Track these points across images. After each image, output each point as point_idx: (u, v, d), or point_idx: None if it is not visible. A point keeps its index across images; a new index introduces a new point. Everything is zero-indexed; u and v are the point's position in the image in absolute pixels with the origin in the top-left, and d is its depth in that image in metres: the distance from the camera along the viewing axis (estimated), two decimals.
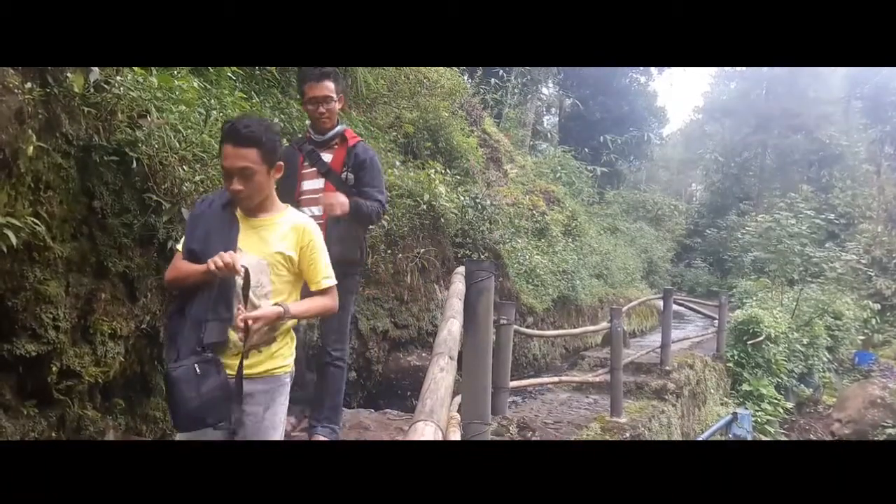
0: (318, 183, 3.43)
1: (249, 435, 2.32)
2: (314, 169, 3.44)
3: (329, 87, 3.44)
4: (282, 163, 2.40)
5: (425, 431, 1.40)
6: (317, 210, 3.36)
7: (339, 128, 3.57)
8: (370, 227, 3.56)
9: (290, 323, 2.45)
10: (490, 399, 2.96)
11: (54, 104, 2.88)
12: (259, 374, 2.36)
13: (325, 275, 2.51)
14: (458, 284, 2.91)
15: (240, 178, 2.28)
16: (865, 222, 23.96)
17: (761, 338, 11.43)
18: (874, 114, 31.73)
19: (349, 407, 5.43)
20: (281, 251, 2.38)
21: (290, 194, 3.28)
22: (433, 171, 7.52)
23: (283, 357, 2.44)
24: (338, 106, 3.54)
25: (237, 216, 2.40)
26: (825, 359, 14.65)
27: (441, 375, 1.83)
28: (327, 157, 3.44)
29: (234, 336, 2.28)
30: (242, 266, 2.23)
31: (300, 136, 3.91)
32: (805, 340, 13.44)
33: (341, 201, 3.32)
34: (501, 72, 18.41)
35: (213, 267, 2.16)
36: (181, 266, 2.39)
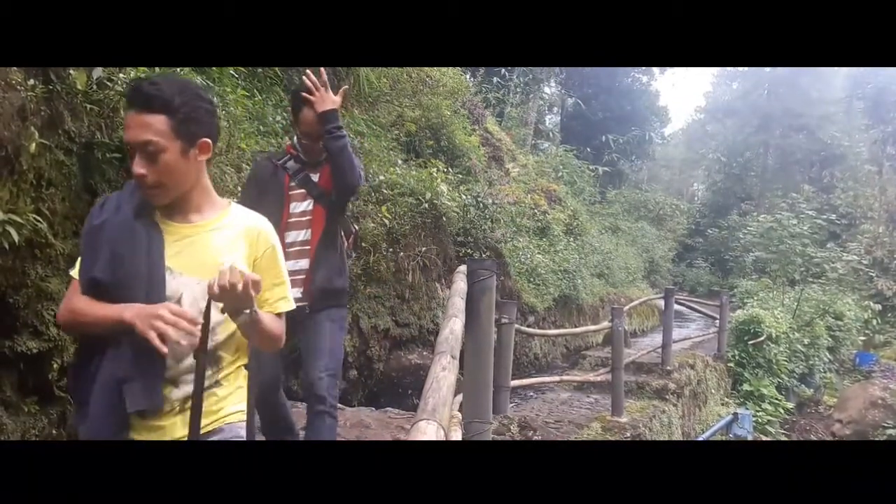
0: (307, 205, 3.10)
1: None
2: (302, 190, 3.10)
3: None
4: (208, 140, 1.71)
5: (427, 430, 1.40)
6: (302, 235, 3.06)
7: None
8: (350, 193, 3.15)
9: (237, 359, 1.80)
10: (491, 398, 2.96)
11: (57, 101, 2.88)
12: (215, 423, 1.74)
13: (282, 294, 1.87)
14: (460, 283, 2.91)
15: (142, 158, 1.61)
16: (867, 223, 23.96)
17: (762, 338, 11.43)
18: (876, 114, 31.72)
19: (350, 405, 5.44)
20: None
21: (277, 218, 2.94)
22: (435, 169, 7.53)
23: (240, 398, 1.79)
24: None
25: (157, 223, 1.70)
26: (826, 359, 14.65)
27: (443, 374, 1.84)
28: (315, 176, 3.14)
29: (175, 394, 1.66)
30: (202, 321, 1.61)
31: (280, 150, 3.48)
32: (806, 341, 13.44)
33: (335, 99, 2.96)
34: (504, 71, 18.42)
35: (157, 343, 1.50)
36: (80, 306, 1.66)
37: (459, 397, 3.29)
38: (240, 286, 1.52)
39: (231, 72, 4.98)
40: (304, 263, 3.02)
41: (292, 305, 1.91)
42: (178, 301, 1.65)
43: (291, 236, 3.04)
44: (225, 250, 1.73)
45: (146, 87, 1.61)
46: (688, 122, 47.39)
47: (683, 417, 8.27)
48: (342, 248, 3.20)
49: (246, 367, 1.81)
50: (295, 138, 3.17)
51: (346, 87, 3.22)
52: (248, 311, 1.61)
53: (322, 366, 2.95)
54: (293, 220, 3.06)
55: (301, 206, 3.09)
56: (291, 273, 2.87)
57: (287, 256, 2.90)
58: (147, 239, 1.66)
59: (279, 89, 6.13)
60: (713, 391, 10.37)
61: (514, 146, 15.98)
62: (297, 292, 2.90)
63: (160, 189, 1.65)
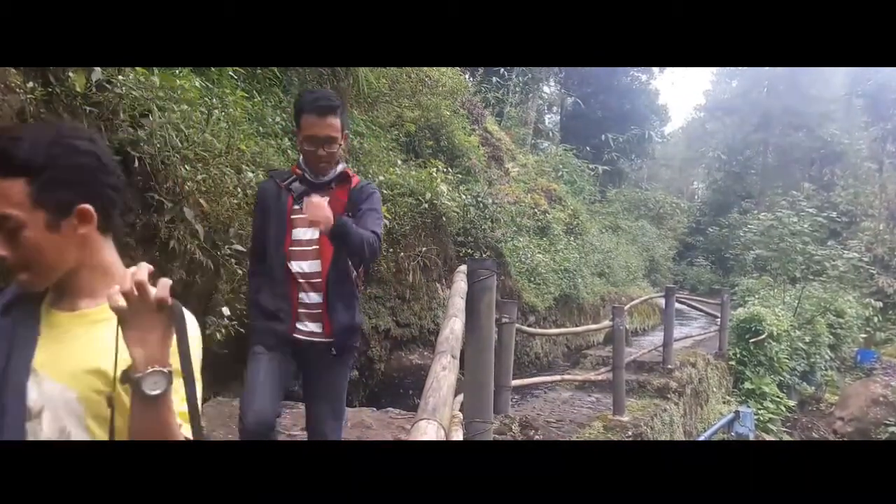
0: (314, 233, 2.75)
1: None
2: (307, 216, 2.70)
3: (334, 124, 2.71)
4: (89, 207, 1.26)
5: (428, 430, 1.41)
6: (307, 266, 2.76)
7: (339, 168, 2.85)
8: (361, 261, 2.87)
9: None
10: (492, 397, 2.96)
11: (56, 104, 2.89)
12: None
13: (183, 412, 1.21)
14: (461, 283, 2.91)
15: (0, 236, 1.22)
16: (867, 220, 23.99)
17: (763, 336, 11.43)
18: (876, 111, 31.70)
19: (351, 405, 5.44)
20: (107, 370, 1.20)
21: (279, 245, 2.74)
22: (435, 169, 7.53)
23: None
24: (342, 146, 2.83)
25: (38, 312, 1.30)
26: (827, 357, 14.66)
27: (443, 374, 1.84)
28: (322, 201, 2.73)
29: None
30: None
31: (285, 170, 3.15)
32: (807, 338, 13.44)
33: (326, 216, 2.59)
34: (503, 70, 18.44)
35: None
36: None
37: (460, 397, 3.29)
38: (150, 290, 1.10)
39: (230, 73, 4.98)
40: (316, 297, 2.76)
41: (190, 435, 1.24)
42: (38, 416, 1.23)
43: (298, 266, 2.76)
44: (109, 350, 1.18)
45: (3, 144, 1.21)
46: (687, 121, 47.49)
47: (685, 416, 8.27)
48: (354, 281, 2.91)
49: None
50: (301, 158, 2.87)
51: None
52: (166, 369, 1.13)
53: (328, 407, 2.84)
54: (299, 248, 2.77)
55: (307, 234, 2.78)
56: (303, 307, 2.73)
57: (299, 288, 2.73)
58: (11, 335, 1.26)
59: (278, 90, 6.12)
60: (715, 389, 10.37)
61: (513, 146, 15.98)
62: (316, 327, 2.74)
63: (28, 273, 1.25)
